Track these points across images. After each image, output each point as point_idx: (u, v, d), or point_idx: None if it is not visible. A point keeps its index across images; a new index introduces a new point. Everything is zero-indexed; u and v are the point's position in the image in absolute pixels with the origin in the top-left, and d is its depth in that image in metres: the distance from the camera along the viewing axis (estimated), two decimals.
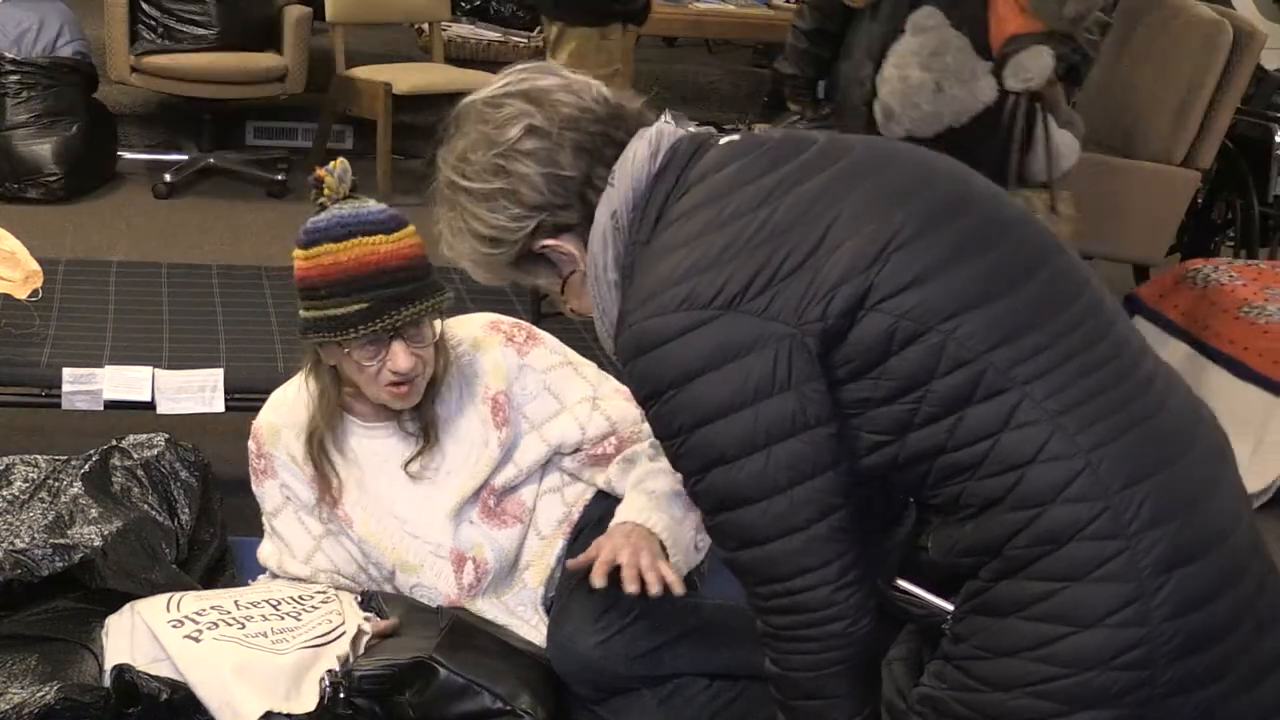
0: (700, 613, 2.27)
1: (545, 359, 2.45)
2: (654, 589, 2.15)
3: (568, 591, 2.31)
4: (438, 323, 2.39)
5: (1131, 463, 1.64)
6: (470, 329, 2.47)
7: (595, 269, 1.81)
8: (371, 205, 2.36)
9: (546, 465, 2.47)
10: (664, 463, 2.33)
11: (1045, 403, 1.64)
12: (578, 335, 3.05)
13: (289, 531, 2.46)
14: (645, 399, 1.74)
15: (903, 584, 1.80)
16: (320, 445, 2.40)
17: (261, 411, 2.50)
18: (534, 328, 2.50)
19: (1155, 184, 4.70)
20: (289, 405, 2.45)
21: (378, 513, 2.41)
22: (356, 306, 2.25)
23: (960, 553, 1.71)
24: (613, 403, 2.44)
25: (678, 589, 2.17)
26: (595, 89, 1.84)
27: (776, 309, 1.66)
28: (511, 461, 2.42)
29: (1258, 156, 5.13)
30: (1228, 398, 3.84)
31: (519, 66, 1.89)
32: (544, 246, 1.83)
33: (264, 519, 2.51)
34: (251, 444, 2.48)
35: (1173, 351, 4.07)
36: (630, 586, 2.15)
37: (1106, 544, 1.62)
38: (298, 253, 2.35)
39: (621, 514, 2.30)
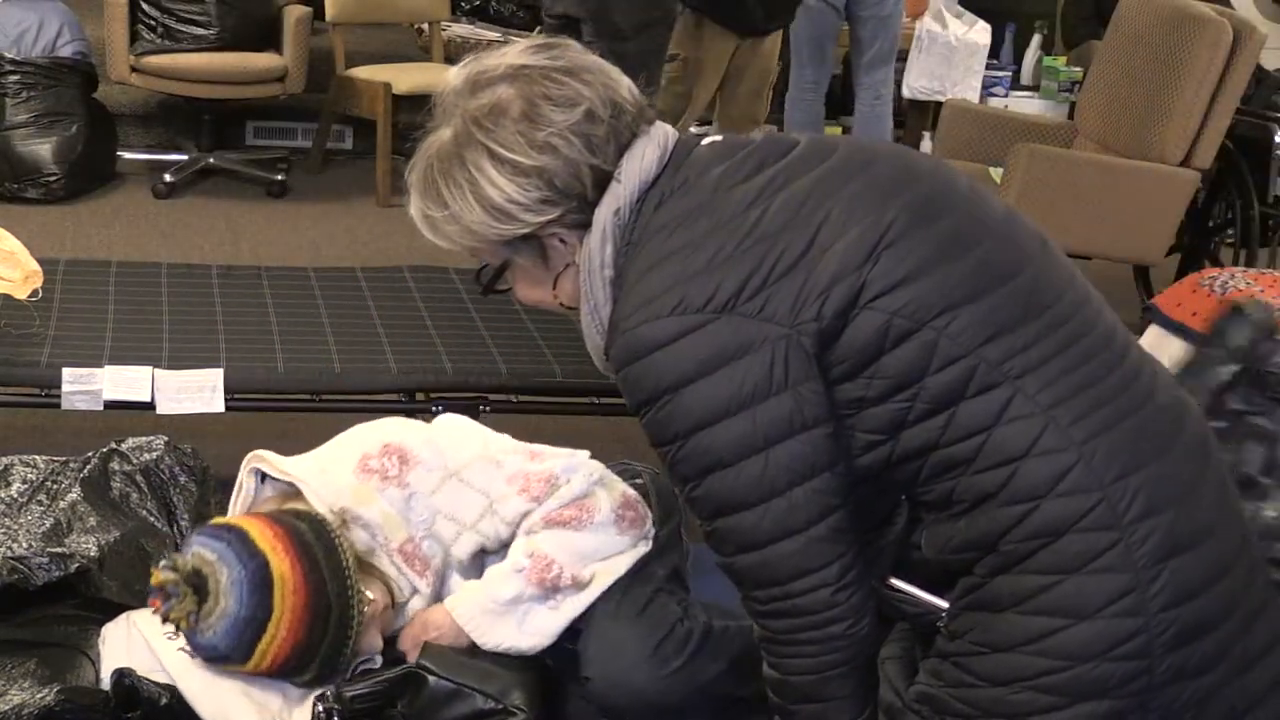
0: (741, 636, 2.26)
1: (427, 480, 2.30)
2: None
3: (606, 620, 2.29)
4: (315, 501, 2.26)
5: (1124, 454, 1.66)
6: (340, 476, 2.29)
7: (591, 264, 1.78)
8: (226, 616, 2.10)
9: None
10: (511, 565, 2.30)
11: (1037, 396, 1.65)
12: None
13: None
14: (639, 405, 1.73)
15: (896, 582, 1.81)
16: None
17: None
18: (403, 445, 2.32)
19: (1155, 184, 4.69)
20: None
21: None
22: (306, 677, 2.19)
23: (955, 549, 1.71)
24: (509, 505, 2.31)
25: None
26: (627, 81, 1.81)
27: (771, 310, 1.66)
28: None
29: (1258, 156, 5.13)
30: None
31: (541, 39, 1.82)
32: (553, 234, 1.78)
33: None
34: None
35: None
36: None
37: (1102, 535, 1.64)
38: None
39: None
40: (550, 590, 2.25)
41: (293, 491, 2.30)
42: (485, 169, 1.73)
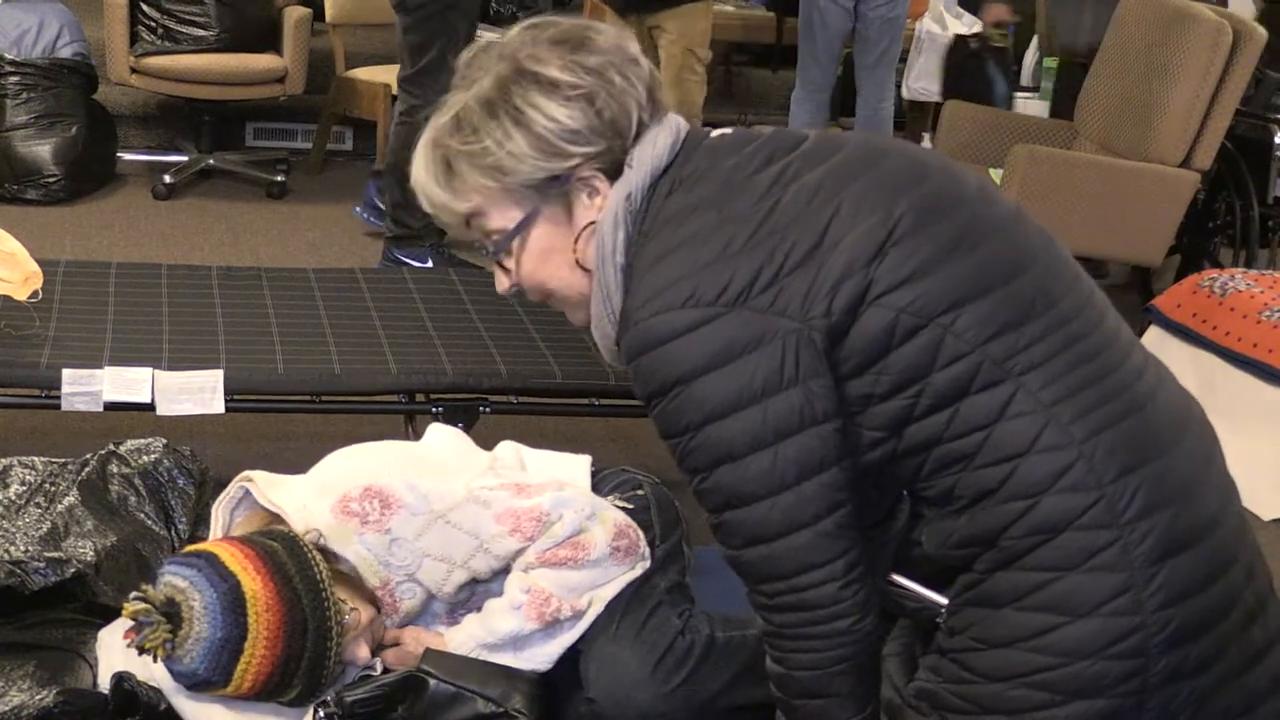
0: (747, 645, 2.26)
1: (410, 525, 2.22)
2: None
3: (606, 640, 2.27)
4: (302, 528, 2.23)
5: (1124, 453, 1.66)
6: (319, 515, 2.23)
7: (604, 249, 1.77)
8: (201, 640, 2.09)
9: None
10: (508, 601, 2.27)
11: (1040, 393, 1.66)
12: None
13: None
14: (650, 397, 1.73)
15: (897, 578, 1.81)
16: None
17: None
18: (385, 489, 2.24)
19: (1155, 185, 4.70)
20: None
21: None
22: (290, 695, 2.17)
23: (955, 544, 1.72)
24: (501, 544, 2.27)
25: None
26: (650, 66, 1.81)
27: (783, 304, 1.67)
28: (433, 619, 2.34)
29: (1258, 157, 5.13)
30: (1255, 400, 3.85)
31: (572, 19, 1.83)
32: (585, 180, 1.76)
33: None
34: None
35: (1196, 359, 4.06)
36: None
37: (1100, 534, 1.64)
38: None
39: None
40: (550, 623, 2.24)
41: (275, 512, 2.30)
42: (533, 99, 1.72)
